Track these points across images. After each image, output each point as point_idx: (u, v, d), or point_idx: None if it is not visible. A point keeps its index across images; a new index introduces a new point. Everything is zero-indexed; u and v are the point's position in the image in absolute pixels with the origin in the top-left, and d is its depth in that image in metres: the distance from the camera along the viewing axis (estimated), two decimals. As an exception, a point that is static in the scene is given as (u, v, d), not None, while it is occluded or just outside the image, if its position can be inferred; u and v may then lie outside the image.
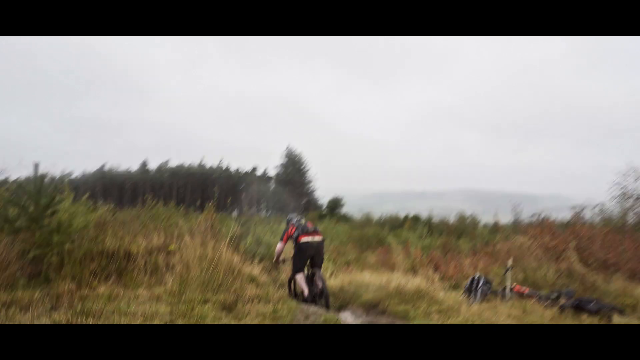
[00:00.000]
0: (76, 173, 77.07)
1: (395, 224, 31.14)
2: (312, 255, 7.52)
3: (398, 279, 8.72)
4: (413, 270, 12.68)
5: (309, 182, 70.70)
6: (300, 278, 7.45)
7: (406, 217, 34.05)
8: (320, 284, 7.32)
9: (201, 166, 79.24)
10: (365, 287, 8.48)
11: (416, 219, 32.98)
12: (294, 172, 69.08)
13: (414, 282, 8.47)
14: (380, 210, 37.81)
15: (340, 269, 12.64)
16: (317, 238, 7.56)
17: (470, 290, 8.73)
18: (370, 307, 7.71)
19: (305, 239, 7.48)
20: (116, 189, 73.47)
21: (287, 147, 72.65)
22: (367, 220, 33.31)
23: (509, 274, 8.85)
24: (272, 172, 77.11)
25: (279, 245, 7.80)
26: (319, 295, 7.31)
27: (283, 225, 9.15)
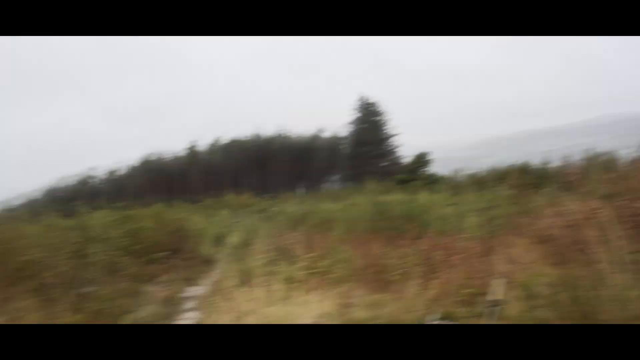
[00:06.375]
0: (120, 165, 64.74)
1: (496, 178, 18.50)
2: None
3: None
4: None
5: (390, 137, 51.03)
6: None
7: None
8: None
9: (257, 136, 59.52)
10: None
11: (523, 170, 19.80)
12: (371, 127, 50.81)
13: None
14: (492, 162, 25.77)
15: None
16: None
17: None
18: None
19: None
20: (165, 180, 57.06)
21: (361, 98, 52.89)
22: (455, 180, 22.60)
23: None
24: (342, 132, 56.63)
25: None
26: None
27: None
